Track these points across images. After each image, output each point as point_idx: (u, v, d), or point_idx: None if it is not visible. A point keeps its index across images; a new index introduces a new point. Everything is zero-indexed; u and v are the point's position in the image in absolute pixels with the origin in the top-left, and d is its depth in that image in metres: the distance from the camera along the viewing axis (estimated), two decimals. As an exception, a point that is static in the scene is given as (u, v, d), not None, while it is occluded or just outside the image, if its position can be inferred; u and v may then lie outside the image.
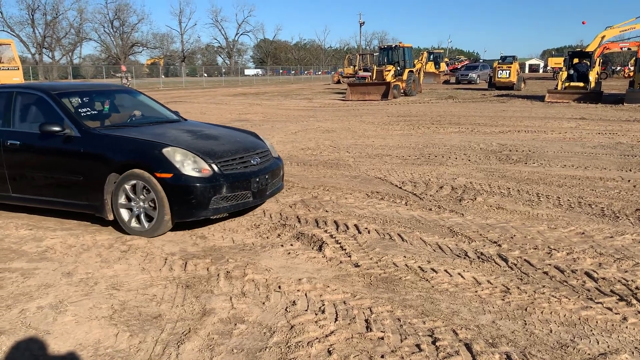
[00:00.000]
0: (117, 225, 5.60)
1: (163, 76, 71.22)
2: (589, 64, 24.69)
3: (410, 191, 7.09)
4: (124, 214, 5.32)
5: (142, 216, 5.26)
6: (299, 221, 5.78)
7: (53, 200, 5.66)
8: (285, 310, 3.69)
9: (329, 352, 3.13)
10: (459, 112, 19.05)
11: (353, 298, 3.86)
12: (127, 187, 5.19)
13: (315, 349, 3.18)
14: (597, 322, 3.47)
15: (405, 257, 4.65)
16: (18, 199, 5.92)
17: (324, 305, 3.75)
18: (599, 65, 32.97)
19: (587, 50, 30.73)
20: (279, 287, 4.08)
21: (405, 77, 28.27)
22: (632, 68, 39.47)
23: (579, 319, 3.52)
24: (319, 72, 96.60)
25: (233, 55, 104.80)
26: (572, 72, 24.76)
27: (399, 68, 28.40)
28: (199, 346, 3.23)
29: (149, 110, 6.86)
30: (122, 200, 5.27)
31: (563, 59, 30.43)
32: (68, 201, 5.57)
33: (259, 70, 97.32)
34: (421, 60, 41.18)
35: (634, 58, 27.33)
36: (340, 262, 4.58)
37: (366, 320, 3.51)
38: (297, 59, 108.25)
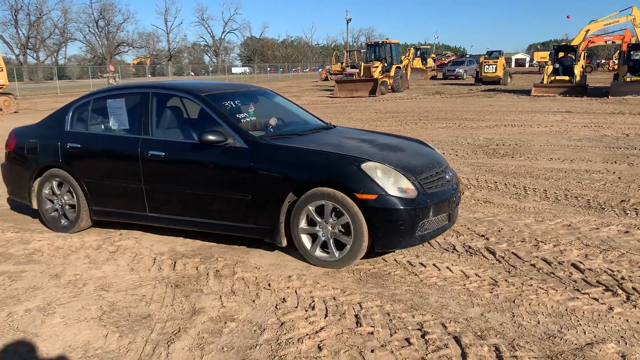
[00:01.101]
0: (108, 224, 5.57)
1: (150, 76, 70.80)
2: (574, 57, 24.90)
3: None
4: (306, 240, 4.44)
5: (331, 243, 4.35)
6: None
7: (206, 223, 4.80)
8: (275, 307, 3.70)
9: (319, 348, 3.14)
10: (446, 107, 19.14)
11: (343, 294, 3.87)
12: (311, 208, 4.32)
13: (305, 345, 3.19)
14: (583, 312, 3.52)
15: (393, 252, 4.67)
16: (156, 219, 5.06)
17: (313, 301, 3.76)
18: (583, 58, 33.21)
19: (572, 44, 30.93)
20: (269, 284, 4.08)
21: (392, 73, 28.31)
22: (616, 61, 39.87)
23: (566, 309, 3.56)
24: (307, 70, 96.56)
25: (220, 53, 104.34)
26: (557, 66, 24.96)
27: (386, 64, 28.45)
28: (189, 345, 3.23)
29: (292, 115, 5.80)
30: (303, 224, 4.40)
31: (548, 53, 30.61)
32: (228, 224, 4.69)
33: (246, 68, 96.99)
34: (408, 56, 41.27)
35: (618, 51, 27.62)
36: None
37: (356, 316, 3.53)
38: (285, 57, 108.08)
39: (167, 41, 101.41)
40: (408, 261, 4.47)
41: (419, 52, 47.43)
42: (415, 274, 4.21)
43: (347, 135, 5.32)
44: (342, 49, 61.96)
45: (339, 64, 46.30)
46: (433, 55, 59.15)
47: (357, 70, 30.40)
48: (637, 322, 3.38)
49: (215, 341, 3.27)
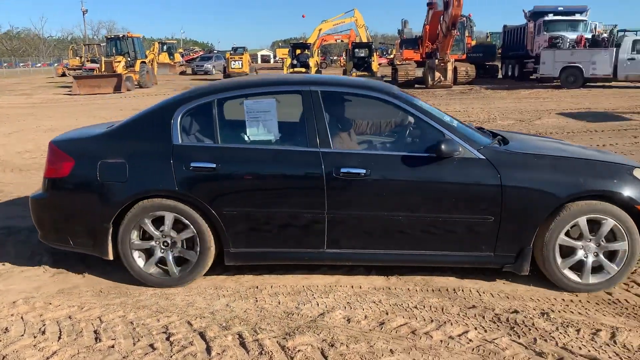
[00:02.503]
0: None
1: None
2: (309, 53, 27.24)
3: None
4: (565, 269, 3.75)
5: (589, 265, 3.73)
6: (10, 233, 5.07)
7: (420, 255, 3.82)
8: (-4, 340, 3.21)
9: (52, 376, 2.84)
10: (195, 102, 19.10)
11: (80, 310, 3.56)
12: (581, 223, 3.65)
13: (34, 376, 2.84)
14: (317, 286, 3.87)
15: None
16: (336, 256, 3.87)
17: (44, 325, 3.37)
18: (318, 55, 36.50)
19: (308, 41, 33.70)
20: (-12, 315, 3.52)
21: (137, 68, 27.09)
22: (345, 58, 44.80)
23: (303, 287, 3.87)
24: (39, 64, 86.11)
25: None
26: (295, 62, 27.04)
27: (129, 59, 27.08)
28: None
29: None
30: (563, 242, 3.71)
31: (288, 49, 32.86)
32: (454, 254, 3.79)
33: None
34: (153, 51, 39.97)
35: (346, 49, 31.23)
36: (66, 274, 4.18)
37: (95, 331, 3.27)
38: (10, 50, 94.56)
39: None
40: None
41: (165, 47, 46.32)
42: (162, 276, 4.11)
43: (544, 141, 4.69)
44: (81, 42, 56.92)
45: (78, 58, 42.41)
46: (181, 50, 58.42)
47: (98, 65, 28.29)
48: (360, 287, 3.86)
49: None
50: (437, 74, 22.88)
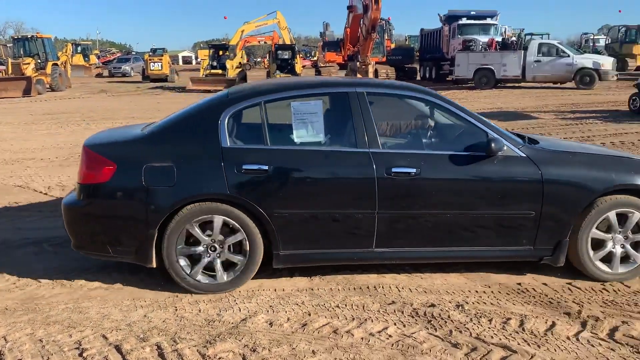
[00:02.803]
0: None
1: None
2: (229, 55, 26.90)
3: (58, 197, 6.49)
4: (593, 255, 3.99)
5: (618, 256, 4.02)
6: None
7: (465, 251, 3.97)
8: None
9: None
10: (113, 106, 18.38)
11: (-18, 331, 3.31)
12: (611, 217, 3.94)
13: None
14: (240, 292, 3.82)
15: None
16: (385, 255, 3.92)
17: (-60, 349, 3.11)
18: (242, 57, 36.14)
19: (230, 43, 33.30)
20: None
21: (49, 70, 25.63)
22: (269, 59, 44.61)
23: (225, 293, 3.81)
24: (-62, 67, 79.54)
25: None
26: (214, 63, 26.64)
27: (40, 61, 25.59)
28: None
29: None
30: (595, 235, 3.97)
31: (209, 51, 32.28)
32: (496, 249, 3.97)
33: None
34: (66, 52, 38.05)
35: (269, 51, 31.12)
36: (-34, 292, 3.88)
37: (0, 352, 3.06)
38: None
39: None
40: (66, 278, 4.12)
41: (79, 48, 44.24)
42: (73, 289, 3.91)
43: (567, 141, 5.56)
44: (-16, 43, 53.15)
45: (-19, 60, 39.61)
46: (96, 51, 55.97)
47: (5, 67, 26.52)
48: (283, 290, 3.85)
49: None
50: (359, 76, 23.33)
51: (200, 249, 3.74)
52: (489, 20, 25.84)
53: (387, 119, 4.31)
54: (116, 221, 3.75)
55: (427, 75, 29.55)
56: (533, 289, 3.89)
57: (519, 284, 3.97)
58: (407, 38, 41.49)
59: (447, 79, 26.21)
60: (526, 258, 4.05)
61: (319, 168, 3.80)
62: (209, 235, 3.73)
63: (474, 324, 3.35)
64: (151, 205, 3.63)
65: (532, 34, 31.71)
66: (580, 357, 3.00)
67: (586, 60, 21.12)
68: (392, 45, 32.06)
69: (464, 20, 25.13)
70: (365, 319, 3.40)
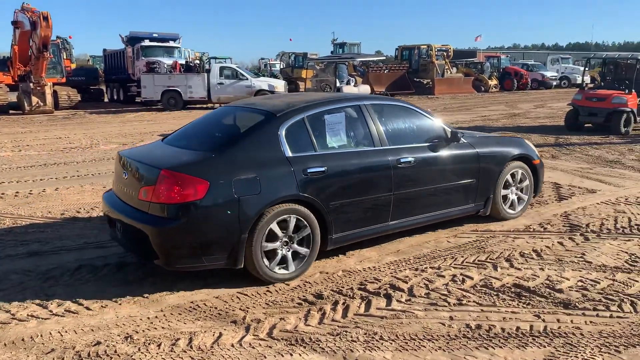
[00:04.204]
0: None
1: None
2: None
3: None
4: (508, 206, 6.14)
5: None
6: None
7: (438, 214, 5.47)
8: None
9: None
10: None
11: None
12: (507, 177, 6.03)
13: None
14: None
15: None
16: (397, 226, 5.15)
17: None
18: None
19: None
20: None
21: None
22: None
23: None
24: None
25: None
26: None
27: None
28: None
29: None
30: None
31: None
32: (455, 209, 5.60)
33: None
34: None
35: None
36: None
37: None
38: None
39: None
40: None
41: None
42: None
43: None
44: None
45: None
46: None
47: None
48: None
49: None
50: (35, 99, 20.94)
51: (277, 244, 4.36)
52: (172, 43, 26.30)
53: (385, 122, 5.23)
54: (212, 232, 4.11)
55: (115, 97, 28.31)
56: (204, 303, 4.01)
57: (192, 302, 4.05)
58: (89, 58, 39.03)
59: (136, 100, 25.65)
60: (470, 213, 5.72)
61: (355, 164, 4.78)
62: (284, 233, 4.36)
63: (142, 352, 3.27)
64: (243, 212, 4.12)
65: (216, 58, 33.55)
66: (242, 360, 3.20)
67: (263, 83, 23.27)
68: (73, 66, 29.78)
69: (146, 42, 25.00)
70: (15, 378, 2.98)
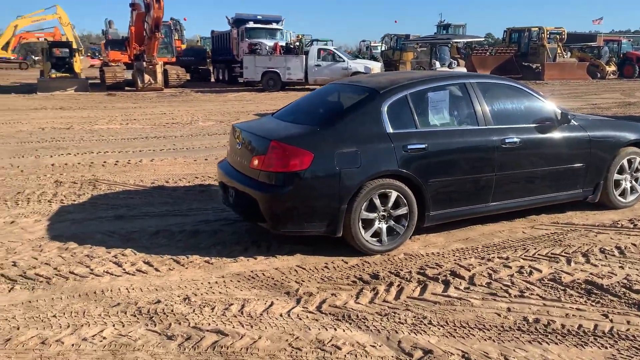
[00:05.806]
0: None
1: None
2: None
3: None
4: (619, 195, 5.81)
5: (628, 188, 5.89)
6: None
7: (544, 198, 5.30)
8: None
9: None
10: None
11: None
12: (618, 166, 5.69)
13: None
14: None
15: None
16: (497, 207, 5.06)
17: None
18: (15, 53, 32.19)
19: (0, 39, 29.46)
20: None
21: None
22: (42, 57, 40.70)
23: None
24: None
25: None
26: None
27: None
28: None
29: None
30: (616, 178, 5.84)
31: None
32: (563, 193, 5.42)
33: None
34: None
35: (42, 48, 28.09)
36: None
37: None
38: None
39: None
40: None
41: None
42: None
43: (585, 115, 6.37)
44: None
45: None
46: None
47: None
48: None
49: None
50: (147, 77, 22.46)
51: (375, 215, 4.47)
52: (274, 25, 26.91)
53: (491, 101, 5.08)
54: (313, 201, 4.32)
55: (221, 77, 29.59)
56: (263, 273, 4.14)
57: (252, 271, 4.19)
58: (199, 39, 41.00)
59: (239, 80, 26.63)
60: (578, 198, 5.49)
61: (457, 143, 4.74)
62: (383, 206, 4.48)
63: (196, 314, 3.46)
64: (343, 184, 4.29)
65: (317, 40, 33.96)
66: (287, 330, 3.29)
67: (359, 65, 23.23)
68: (183, 46, 31.50)
69: (250, 24, 25.78)
70: (82, 325, 3.28)
